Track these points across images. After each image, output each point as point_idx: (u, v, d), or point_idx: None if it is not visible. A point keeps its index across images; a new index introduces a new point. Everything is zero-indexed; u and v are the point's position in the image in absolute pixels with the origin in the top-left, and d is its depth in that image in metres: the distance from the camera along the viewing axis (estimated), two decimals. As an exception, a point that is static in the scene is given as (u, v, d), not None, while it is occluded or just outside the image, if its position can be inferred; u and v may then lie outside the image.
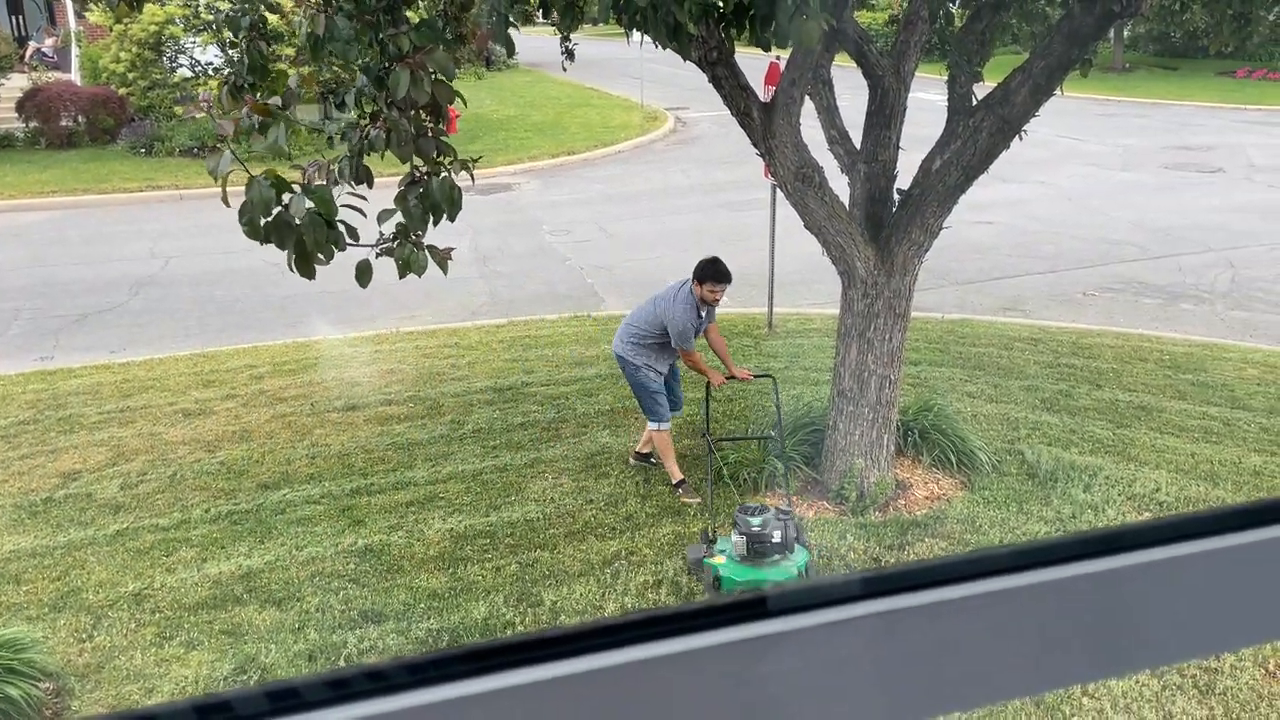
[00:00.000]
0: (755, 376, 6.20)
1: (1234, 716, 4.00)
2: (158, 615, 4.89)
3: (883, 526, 5.58)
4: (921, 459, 6.15)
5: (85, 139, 18.09)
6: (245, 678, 4.38)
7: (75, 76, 19.52)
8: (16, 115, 17.95)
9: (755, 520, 4.83)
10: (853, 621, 0.42)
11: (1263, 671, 4.27)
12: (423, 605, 4.98)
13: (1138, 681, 4.19)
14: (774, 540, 4.81)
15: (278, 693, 0.38)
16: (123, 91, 18.21)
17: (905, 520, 5.63)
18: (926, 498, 5.87)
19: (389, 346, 9.00)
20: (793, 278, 10.61)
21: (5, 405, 7.65)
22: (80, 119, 18.02)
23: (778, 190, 8.61)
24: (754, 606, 0.43)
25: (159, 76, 18.32)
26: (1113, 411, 7.15)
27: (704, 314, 5.93)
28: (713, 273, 5.73)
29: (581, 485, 6.23)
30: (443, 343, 9.10)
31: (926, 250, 5.48)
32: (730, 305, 10.06)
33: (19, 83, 18.39)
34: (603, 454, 6.68)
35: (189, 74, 18.13)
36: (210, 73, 17.52)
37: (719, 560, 4.94)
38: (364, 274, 3.90)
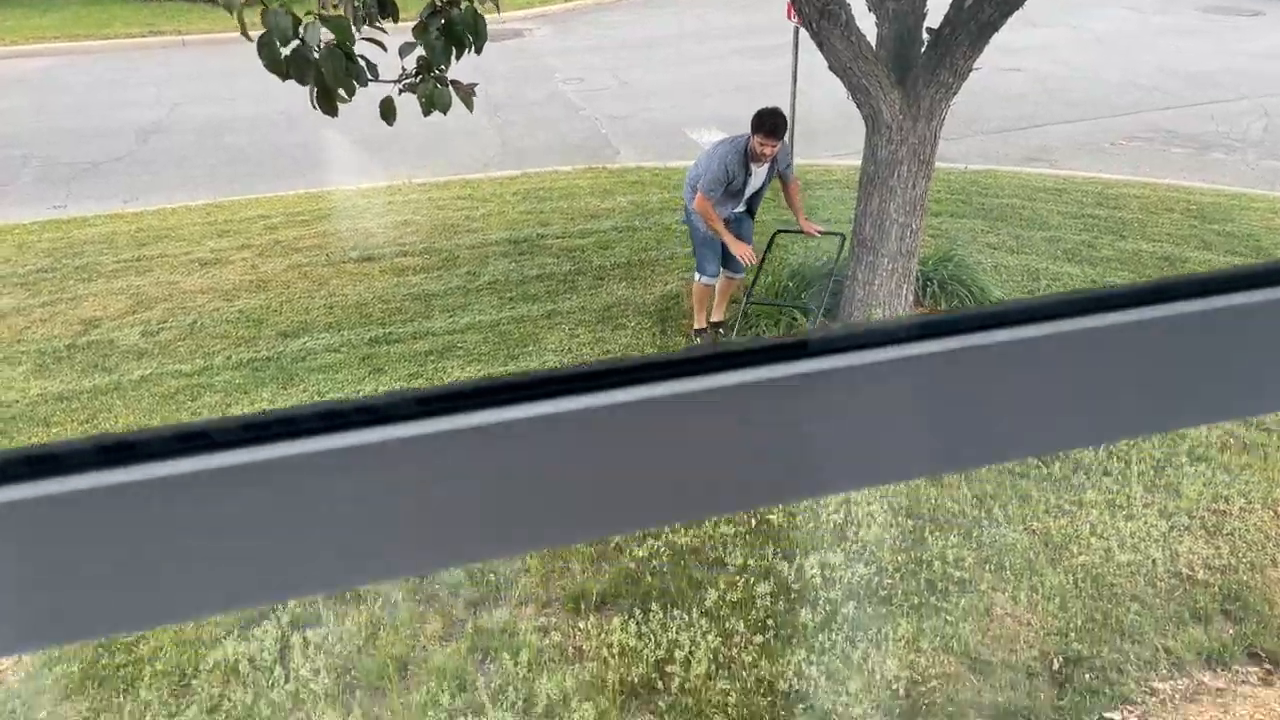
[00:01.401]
0: (823, 233, 5.96)
1: (1240, 555, 4.09)
2: (185, 457, 5.00)
3: (898, 375, 5.59)
4: (940, 310, 6.11)
5: (83, -17, 17.48)
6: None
7: (68, -84, 18.70)
8: (11, -43, 17.31)
9: None
10: (902, 362, 0.40)
11: (1271, 514, 4.34)
12: (443, 449, 5.06)
13: (1145, 522, 4.27)
14: None
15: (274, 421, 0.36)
16: (118, -68, 17.47)
17: (921, 369, 5.64)
18: (943, 347, 5.86)
19: (402, 198, 8.89)
20: (815, 127, 10.33)
21: (23, 253, 7.66)
22: (77, -39, 17.37)
23: (801, 32, 8.30)
24: (794, 347, 0.40)
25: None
26: (1135, 262, 7.05)
27: (756, 169, 5.53)
28: (758, 124, 5.29)
29: (599, 336, 6.25)
30: (456, 194, 8.98)
31: (955, 93, 5.30)
32: (748, 155, 9.87)
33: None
34: (619, 305, 6.67)
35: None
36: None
37: None
38: (388, 112, 3.80)
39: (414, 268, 7.34)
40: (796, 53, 8.59)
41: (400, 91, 3.81)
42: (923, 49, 5.31)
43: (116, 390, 5.68)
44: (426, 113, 3.80)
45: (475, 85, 4.02)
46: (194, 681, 3.56)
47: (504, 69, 13.32)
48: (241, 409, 5.45)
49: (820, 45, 5.18)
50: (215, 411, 5.43)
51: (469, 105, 3.94)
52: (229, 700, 3.45)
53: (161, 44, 14.67)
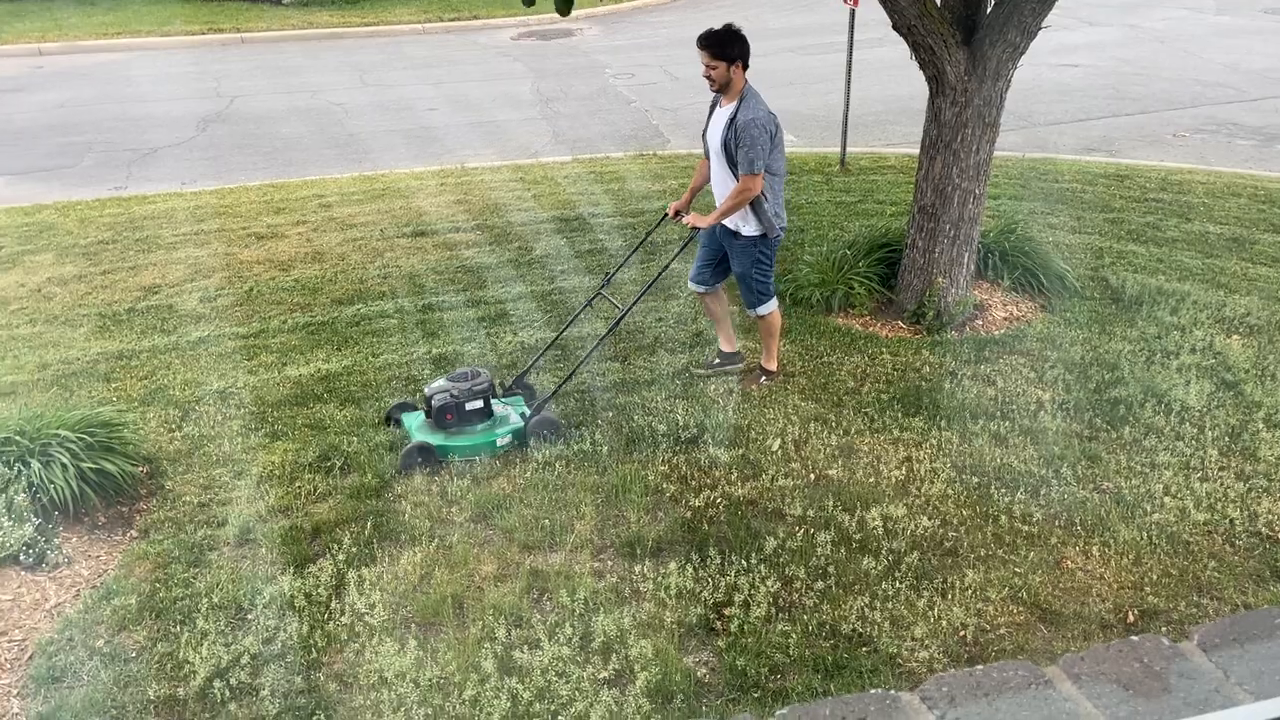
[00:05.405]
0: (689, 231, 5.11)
1: (1322, 516, 3.92)
2: (242, 410, 5.02)
3: (960, 344, 5.48)
4: (1001, 281, 5.98)
5: (145, -15, 17.90)
6: (329, 464, 4.49)
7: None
8: (76, -40, 17.78)
9: (436, 385, 4.62)
10: None
11: None
12: (497, 407, 5.03)
13: (1221, 483, 4.11)
14: (436, 406, 4.53)
15: None
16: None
17: (983, 339, 5.52)
18: (1005, 318, 5.74)
19: (454, 180, 8.93)
20: (867, 119, 10.24)
21: (85, 227, 7.77)
22: (139, -36, 17.80)
23: (856, 16, 8.23)
24: None
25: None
26: (1202, 243, 6.87)
27: (718, 109, 4.76)
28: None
29: (650, 305, 6.20)
30: (507, 178, 9.00)
31: (1022, 53, 5.20)
32: (802, 144, 9.79)
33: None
34: (672, 277, 6.61)
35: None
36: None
37: (413, 415, 4.75)
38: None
39: (466, 243, 7.35)
40: (851, 37, 8.52)
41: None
42: (989, 7, 5.22)
43: (174, 350, 5.72)
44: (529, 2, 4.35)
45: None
46: (250, 612, 3.52)
47: (554, 65, 13.40)
48: (296, 368, 5.46)
49: (885, 3, 5.11)
50: (270, 370, 5.45)
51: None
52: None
53: (221, 41, 14.93)
